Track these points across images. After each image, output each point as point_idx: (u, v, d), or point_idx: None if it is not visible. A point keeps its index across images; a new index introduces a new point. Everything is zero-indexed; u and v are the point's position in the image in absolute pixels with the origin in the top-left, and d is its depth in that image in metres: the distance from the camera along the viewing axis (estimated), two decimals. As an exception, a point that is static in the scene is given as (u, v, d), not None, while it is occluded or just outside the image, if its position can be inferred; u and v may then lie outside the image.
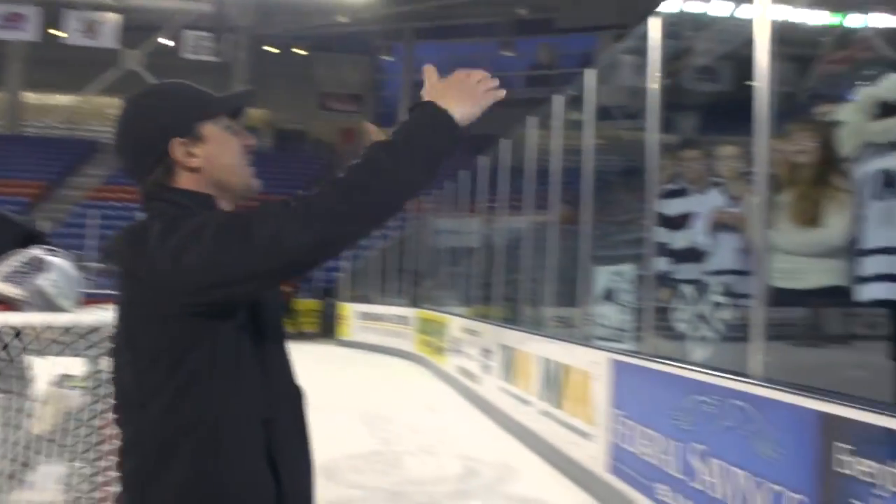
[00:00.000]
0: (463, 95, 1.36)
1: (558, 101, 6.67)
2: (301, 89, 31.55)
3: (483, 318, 9.26)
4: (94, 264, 6.67)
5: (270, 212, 1.25)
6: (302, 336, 17.80)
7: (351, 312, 16.70)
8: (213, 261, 1.22)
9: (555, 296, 6.67)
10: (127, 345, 1.33)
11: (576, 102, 6.30)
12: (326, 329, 18.37)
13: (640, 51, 4.89)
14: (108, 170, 27.35)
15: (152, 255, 1.24)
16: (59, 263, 2.42)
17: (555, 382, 5.88)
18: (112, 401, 2.47)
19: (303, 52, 31.81)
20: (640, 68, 5.00)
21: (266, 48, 31.06)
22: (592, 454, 4.97)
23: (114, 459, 2.50)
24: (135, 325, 1.31)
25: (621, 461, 4.52)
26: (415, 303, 14.35)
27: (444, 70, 1.40)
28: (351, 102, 32.50)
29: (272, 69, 30.61)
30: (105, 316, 2.33)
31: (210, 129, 1.39)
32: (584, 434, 5.16)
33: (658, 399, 4.08)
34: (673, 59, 7.72)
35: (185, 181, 1.38)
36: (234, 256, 1.21)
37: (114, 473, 2.50)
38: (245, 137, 1.45)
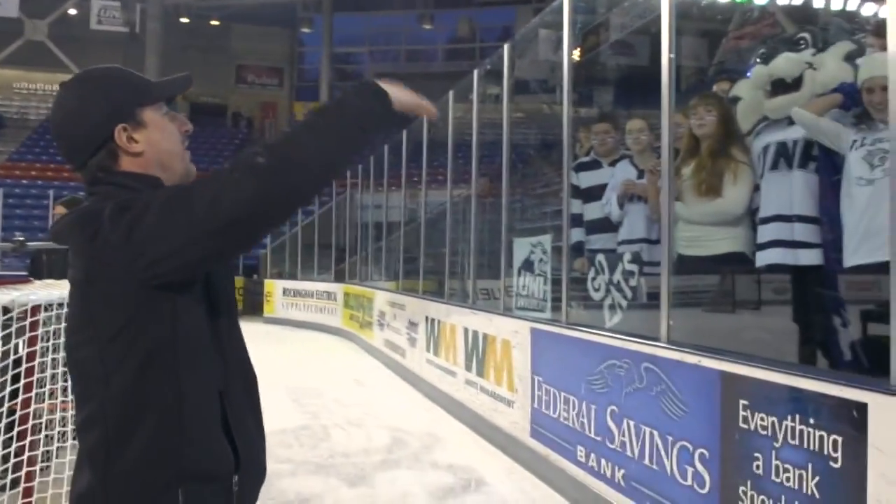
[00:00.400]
0: (402, 90, 1.43)
1: (476, 76, 6.73)
2: (218, 61, 30.70)
3: (409, 291, 9.34)
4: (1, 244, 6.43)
5: (212, 177, 1.31)
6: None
7: (276, 289, 16.55)
8: (161, 232, 1.27)
9: (477, 268, 6.79)
10: (87, 323, 1.35)
11: (495, 76, 6.38)
12: (252, 306, 18.16)
13: (558, 25, 4.98)
14: (11, 146, 26.19)
15: (106, 236, 1.29)
16: None
17: (478, 352, 6.02)
18: (21, 381, 2.45)
19: (218, 23, 30.92)
20: (558, 42, 5.10)
21: (180, 19, 30.08)
22: (515, 420, 5.13)
23: (27, 440, 2.49)
24: (94, 303, 1.34)
25: (542, 426, 4.68)
26: (340, 278, 14.31)
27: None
28: (270, 75, 31.85)
29: (187, 41, 29.69)
30: (13, 296, 2.29)
31: (150, 114, 1.44)
32: (506, 401, 5.32)
33: (575, 365, 4.25)
34: (589, 33, 7.87)
35: (127, 164, 1.42)
36: (180, 224, 1.27)
37: (30, 453, 2.49)
38: (182, 123, 1.50)
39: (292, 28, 31.82)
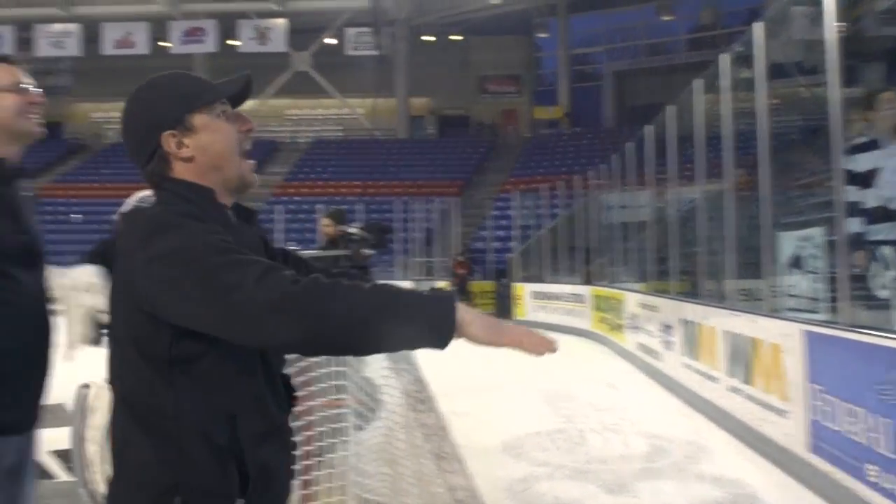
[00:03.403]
0: (495, 327, 1.36)
1: (725, 61, 6.33)
2: (460, 74, 31.92)
3: (660, 293, 9.02)
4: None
5: (241, 264, 1.24)
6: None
7: (525, 292, 16.78)
8: (166, 286, 1.26)
9: (736, 267, 6.37)
10: (114, 317, 1.40)
11: (745, 61, 5.96)
12: (502, 310, 18.59)
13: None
14: (288, 167, 29.02)
15: (133, 252, 1.31)
16: None
17: (743, 357, 5.63)
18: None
19: (459, 38, 32.13)
20: (815, 18, 4.65)
21: (424, 38, 31.66)
22: (789, 432, 4.72)
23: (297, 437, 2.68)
24: (116, 305, 1.38)
25: (823, 440, 4.26)
26: (588, 280, 14.19)
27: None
28: (510, 83, 32.48)
29: (431, 57, 31.19)
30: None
31: (201, 118, 1.41)
32: (778, 411, 4.91)
33: (860, 372, 3.82)
34: (853, 4, 7.10)
35: (180, 171, 1.41)
36: (184, 289, 1.24)
37: (306, 448, 2.66)
38: (243, 122, 1.47)
39: (528, 35, 32.21)
